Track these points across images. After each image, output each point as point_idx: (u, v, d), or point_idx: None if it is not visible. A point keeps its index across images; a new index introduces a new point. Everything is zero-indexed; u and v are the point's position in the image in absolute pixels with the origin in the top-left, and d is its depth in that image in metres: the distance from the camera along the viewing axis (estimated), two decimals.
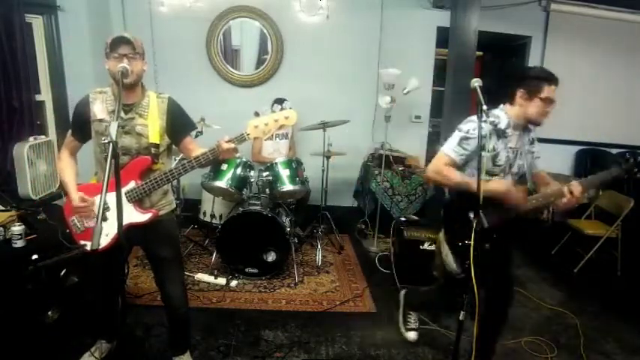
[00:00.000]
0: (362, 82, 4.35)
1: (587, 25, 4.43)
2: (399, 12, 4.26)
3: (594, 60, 4.52)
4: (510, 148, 1.86)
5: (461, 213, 1.79)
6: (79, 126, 1.77)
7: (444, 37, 3.97)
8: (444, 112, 3.78)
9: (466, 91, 3.43)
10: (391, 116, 3.68)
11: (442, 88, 4.00)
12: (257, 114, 3.60)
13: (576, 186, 1.79)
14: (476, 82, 1.70)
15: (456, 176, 1.80)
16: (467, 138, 1.80)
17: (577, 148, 4.77)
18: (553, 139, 4.65)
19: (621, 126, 4.72)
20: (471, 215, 1.70)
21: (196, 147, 1.84)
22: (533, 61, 4.50)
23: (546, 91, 1.77)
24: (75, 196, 1.72)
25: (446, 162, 1.83)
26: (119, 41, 1.60)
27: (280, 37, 4.18)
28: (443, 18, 4.10)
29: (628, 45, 4.52)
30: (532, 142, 1.98)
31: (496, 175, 1.84)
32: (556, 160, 4.68)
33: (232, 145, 1.66)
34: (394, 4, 4.24)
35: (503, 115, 1.86)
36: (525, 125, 1.90)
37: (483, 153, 1.74)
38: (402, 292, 2.56)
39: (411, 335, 2.41)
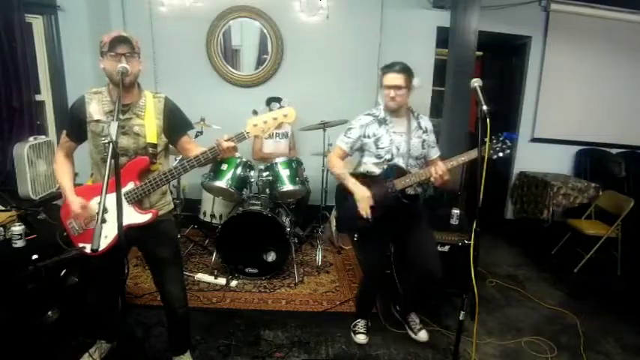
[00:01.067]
0: (362, 81, 4.33)
1: (587, 25, 4.41)
2: (399, 12, 4.25)
3: (594, 60, 4.50)
4: (395, 132, 2.17)
5: (344, 194, 2.17)
6: (74, 127, 1.75)
7: (444, 37, 3.97)
8: (444, 112, 3.78)
9: (466, 91, 3.43)
10: None
11: (442, 88, 3.99)
12: (255, 112, 3.64)
13: (440, 166, 2.01)
14: (476, 82, 1.73)
15: (337, 168, 2.19)
16: (350, 128, 2.22)
17: (577, 148, 4.75)
18: (553, 139, 4.64)
19: (621, 126, 4.71)
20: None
21: (195, 146, 1.83)
22: (533, 61, 4.48)
23: (384, 79, 2.10)
24: (74, 199, 1.70)
25: (338, 153, 2.23)
26: (118, 40, 1.59)
27: (280, 37, 4.17)
28: (443, 18, 4.10)
29: (628, 45, 4.51)
30: (425, 131, 2.24)
31: (382, 158, 2.16)
32: (556, 160, 4.67)
33: (232, 144, 1.65)
34: (394, 4, 4.23)
35: (382, 107, 2.22)
36: (402, 112, 2.18)
37: (365, 139, 2.18)
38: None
39: (360, 338, 2.42)
